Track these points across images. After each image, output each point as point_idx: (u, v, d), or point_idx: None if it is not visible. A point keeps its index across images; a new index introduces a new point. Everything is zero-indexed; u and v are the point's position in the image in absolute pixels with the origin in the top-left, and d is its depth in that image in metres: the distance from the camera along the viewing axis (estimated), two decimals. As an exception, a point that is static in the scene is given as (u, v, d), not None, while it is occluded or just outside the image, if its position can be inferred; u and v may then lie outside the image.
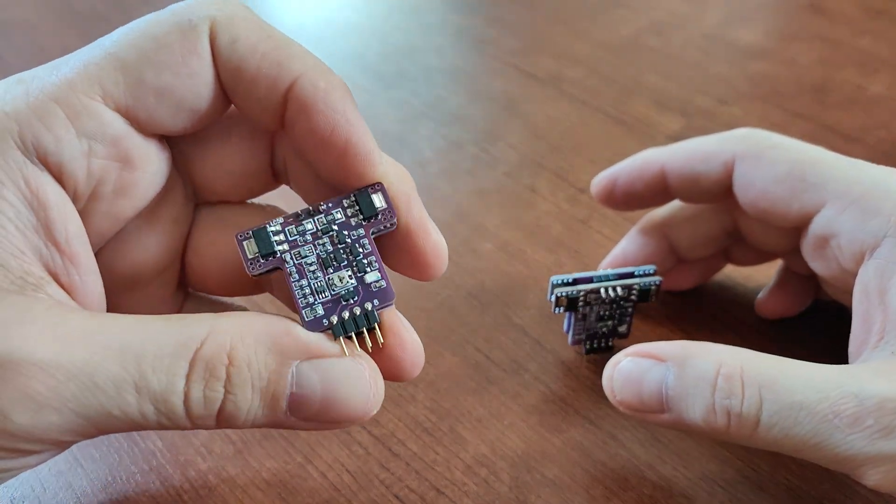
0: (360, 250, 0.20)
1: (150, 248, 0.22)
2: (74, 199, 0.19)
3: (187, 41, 0.19)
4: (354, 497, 0.24)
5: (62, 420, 0.17)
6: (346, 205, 0.20)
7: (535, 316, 0.30)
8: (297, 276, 0.19)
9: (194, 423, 0.18)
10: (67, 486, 0.24)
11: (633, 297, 0.27)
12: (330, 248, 0.20)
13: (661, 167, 0.28)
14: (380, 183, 0.20)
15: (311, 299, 0.19)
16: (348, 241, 0.20)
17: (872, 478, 0.20)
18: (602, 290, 0.27)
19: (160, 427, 0.18)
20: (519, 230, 0.35)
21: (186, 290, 0.24)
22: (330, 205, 0.20)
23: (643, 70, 0.45)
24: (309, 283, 0.19)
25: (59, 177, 0.19)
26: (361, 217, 0.20)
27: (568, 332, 0.29)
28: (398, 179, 0.21)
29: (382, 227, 0.20)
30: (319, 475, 0.25)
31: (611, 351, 0.29)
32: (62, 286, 0.19)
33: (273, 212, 0.23)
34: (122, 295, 0.22)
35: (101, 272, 0.22)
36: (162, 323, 0.18)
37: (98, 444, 0.26)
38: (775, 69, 0.45)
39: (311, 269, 0.20)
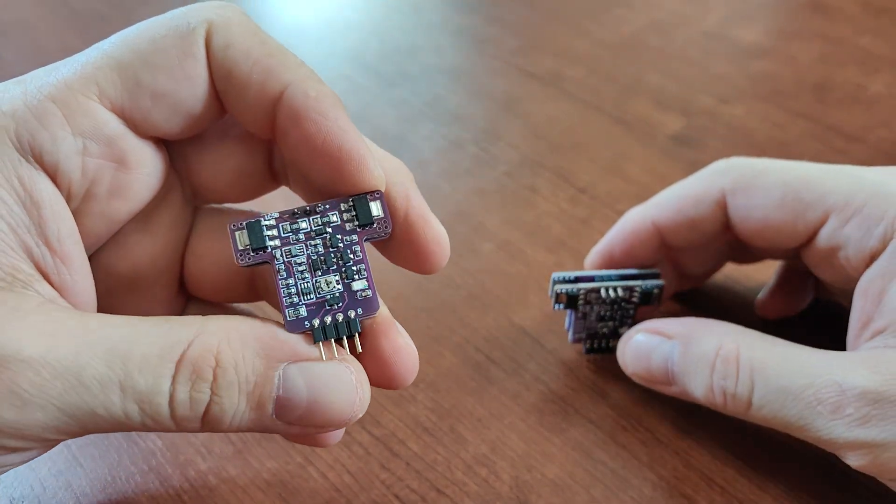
0: (351, 257, 0.19)
1: (148, 250, 0.22)
2: (68, 198, 0.19)
3: (184, 44, 0.19)
4: (355, 497, 0.24)
5: (47, 417, 0.17)
6: (343, 208, 0.20)
7: (536, 316, 0.30)
8: (284, 274, 0.19)
9: (179, 424, 0.18)
10: (67, 485, 0.24)
11: (634, 300, 0.27)
12: (321, 250, 0.19)
13: (652, 224, 0.27)
14: (379, 191, 0.20)
15: (295, 300, 0.19)
16: (340, 245, 0.20)
17: (853, 460, 0.22)
18: (602, 290, 0.27)
19: (145, 428, 0.18)
20: (519, 230, 0.34)
21: (188, 293, 0.24)
22: (327, 206, 0.20)
23: (644, 69, 0.45)
24: (296, 283, 0.19)
25: (53, 175, 0.19)
26: (357, 223, 0.20)
27: (569, 329, 0.29)
28: (394, 172, 0.20)
29: (376, 235, 0.20)
30: (320, 475, 0.25)
31: (612, 352, 0.29)
32: (53, 285, 0.19)
33: None
34: (122, 297, 0.22)
35: (100, 273, 0.22)
36: (150, 324, 0.18)
37: (98, 444, 0.26)
38: (776, 68, 0.45)
39: (300, 269, 0.19)
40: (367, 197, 0.20)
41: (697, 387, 0.24)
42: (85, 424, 0.17)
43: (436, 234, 0.21)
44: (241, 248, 0.19)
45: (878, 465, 0.21)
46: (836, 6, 0.51)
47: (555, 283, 0.27)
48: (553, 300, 0.27)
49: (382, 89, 0.44)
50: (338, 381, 0.19)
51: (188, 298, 0.24)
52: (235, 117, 0.21)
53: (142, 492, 0.24)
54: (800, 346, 0.23)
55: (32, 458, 0.19)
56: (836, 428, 0.21)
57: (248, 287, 0.23)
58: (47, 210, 0.19)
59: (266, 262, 0.19)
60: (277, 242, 0.19)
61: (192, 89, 0.20)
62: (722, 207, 0.26)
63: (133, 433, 0.26)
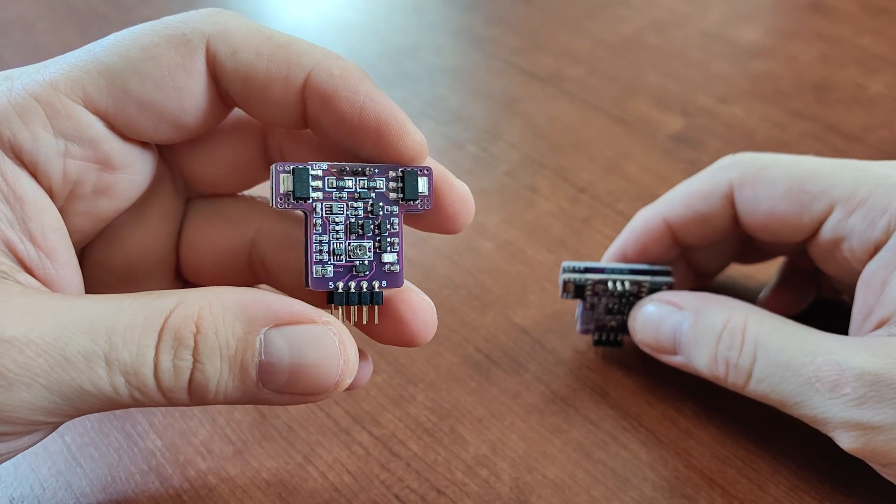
0: (388, 227, 0.20)
1: (140, 243, 0.22)
2: (51, 197, 0.19)
3: (178, 56, 0.19)
4: (355, 497, 0.24)
5: (33, 397, 0.16)
6: (391, 176, 0.20)
7: (536, 316, 0.30)
8: (320, 230, 0.19)
9: (166, 396, 0.18)
10: (67, 485, 0.24)
11: (642, 295, 0.27)
12: (361, 214, 0.20)
13: (663, 221, 0.27)
14: (429, 168, 0.20)
15: (325, 258, 0.19)
16: (380, 213, 0.20)
17: (844, 441, 0.22)
18: (610, 283, 0.27)
19: (135, 403, 0.18)
20: (519, 230, 0.34)
21: (185, 282, 0.24)
22: (376, 171, 0.20)
23: (644, 69, 0.45)
24: (330, 241, 0.19)
25: (33, 174, 0.19)
26: (401, 196, 0.20)
27: (578, 319, 0.29)
28: None
29: (416, 210, 0.20)
30: (320, 475, 0.25)
31: (619, 346, 0.29)
32: (38, 279, 0.19)
33: (264, 203, 0.23)
34: (117, 289, 0.22)
35: (93, 267, 0.22)
36: (133, 298, 0.18)
37: (97, 444, 0.26)
38: (776, 68, 0.45)
39: (337, 228, 0.19)
40: (417, 171, 0.20)
41: (702, 357, 0.24)
42: (74, 403, 0.17)
43: (459, 192, 0.21)
44: (283, 191, 0.19)
45: (869, 448, 0.21)
46: (836, 6, 0.51)
47: (564, 270, 0.27)
48: (560, 289, 0.27)
49: (383, 89, 0.44)
50: (320, 343, 0.18)
51: (185, 286, 0.24)
52: (261, 119, 0.21)
53: (142, 492, 0.24)
54: (807, 327, 0.23)
55: (24, 447, 0.19)
56: (832, 407, 0.21)
57: (248, 271, 0.23)
58: (30, 205, 0.18)
59: (302, 211, 0.19)
60: (320, 195, 0.19)
61: (181, 101, 0.19)
62: (731, 201, 0.26)
63: (132, 432, 0.26)
